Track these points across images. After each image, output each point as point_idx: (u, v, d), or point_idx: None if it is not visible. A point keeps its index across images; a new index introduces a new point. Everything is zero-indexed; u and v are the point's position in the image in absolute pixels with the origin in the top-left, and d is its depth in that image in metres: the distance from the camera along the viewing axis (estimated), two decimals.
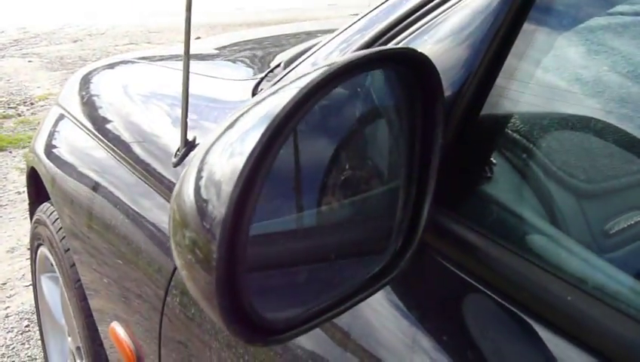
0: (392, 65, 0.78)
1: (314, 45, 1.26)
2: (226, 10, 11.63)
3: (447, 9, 0.95)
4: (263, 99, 0.69)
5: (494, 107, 0.86)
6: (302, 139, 0.73)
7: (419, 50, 0.80)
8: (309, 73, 0.68)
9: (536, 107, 0.88)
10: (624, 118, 0.82)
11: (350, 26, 1.12)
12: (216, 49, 2.02)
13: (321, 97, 0.69)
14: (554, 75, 0.88)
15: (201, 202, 0.64)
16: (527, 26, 0.85)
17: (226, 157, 0.64)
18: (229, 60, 1.90)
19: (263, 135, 0.62)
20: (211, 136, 0.68)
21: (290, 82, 0.69)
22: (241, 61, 1.79)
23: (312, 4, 12.21)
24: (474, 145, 0.87)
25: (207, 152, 0.67)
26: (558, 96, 0.87)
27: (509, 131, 0.87)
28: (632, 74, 0.82)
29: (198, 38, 8.92)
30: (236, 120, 0.68)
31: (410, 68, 0.78)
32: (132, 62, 2.01)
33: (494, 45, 0.85)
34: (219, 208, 0.61)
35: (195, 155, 0.69)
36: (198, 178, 0.66)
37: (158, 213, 1.33)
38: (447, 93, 0.85)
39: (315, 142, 0.79)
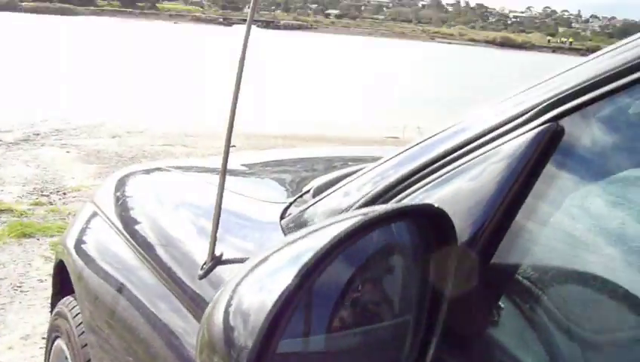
0: (413, 217, 0.85)
1: (344, 175, 1.32)
2: (263, 121, 11.91)
3: (477, 156, 1.00)
4: (295, 240, 0.76)
5: (506, 254, 0.91)
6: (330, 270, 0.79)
7: (443, 194, 0.86)
8: (338, 221, 0.75)
9: (547, 256, 0.92)
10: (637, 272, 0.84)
11: (386, 161, 1.18)
12: (250, 166, 2.09)
13: (347, 247, 0.76)
14: (569, 225, 0.91)
15: (229, 329, 0.70)
16: (541, 181, 0.90)
17: (256, 290, 0.71)
18: (260, 179, 1.98)
19: (295, 277, 0.69)
20: (245, 267, 0.75)
21: (321, 227, 0.75)
22: (273, 182, 1.86)
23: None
24: (484, 289, 0.92)
25: (239, 283, 0.74)
26: (571, 246, 0.90)
27: (520, 277, 0.90)
28: None
29: (233, 146, 9.09)
30: (269, 256, 0.75)
31: (429, 220, 0.84)
32: (167, 170, 2.10)
33: (510, 196, 0.90)
34: (246, 339, 0.68)
35: (228, 283, 0.75)
36: (229, 305, 0.73)
37: (179, 322, 1.37)
38: (463, 238, 0.91)
39: (336, 271, 0.85)
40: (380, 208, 0.82)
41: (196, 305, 1.32)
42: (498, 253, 0.91)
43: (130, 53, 25.84)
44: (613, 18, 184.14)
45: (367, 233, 0.80)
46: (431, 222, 0.85)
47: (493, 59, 61.51)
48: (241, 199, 1.55)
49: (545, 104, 0.93)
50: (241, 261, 1.31)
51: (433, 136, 1.12)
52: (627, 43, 0.90)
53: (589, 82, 0.89)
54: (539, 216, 0.90)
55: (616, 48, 0.91)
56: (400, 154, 1.16)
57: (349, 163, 1.90)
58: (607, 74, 0.87)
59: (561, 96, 0.92)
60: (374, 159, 2.04)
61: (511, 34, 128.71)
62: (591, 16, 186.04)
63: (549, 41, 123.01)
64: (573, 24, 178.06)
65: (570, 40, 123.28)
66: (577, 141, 0.89)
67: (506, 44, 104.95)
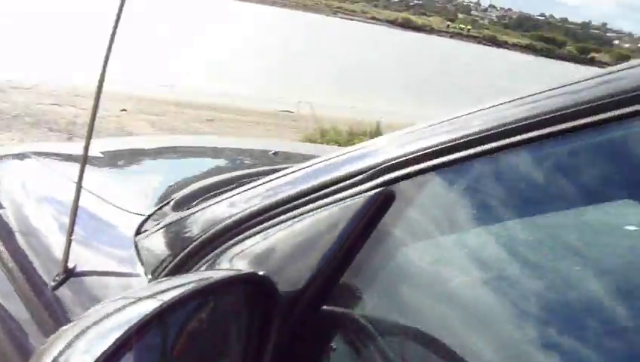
0: (237, 285, 0.90)
1: (204, 187, 1.35)
2: (156, 85, 11.70)
3: (308, 212, 1.04)
4: (127, 305, 0.79)
5: (335, 304, 0.96)
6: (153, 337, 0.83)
7: (273, 245, 0.91)
8: (164, 291, 0.79)
9: (374, 306, 0.97)
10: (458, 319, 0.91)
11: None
12: (117, 158, 2.07)
13: (169, 316, 0.80)
14: (393, 280, 0.97)
15: None
16: (372, 240, 0.96)
17: (82, 351, 0.73)
18: (121, 176, 1.95)
19: (112, 345, 0.72)
20: (76, 328, 0.77)
21: (150, 295, 0.79)
22: (133, 183, 1.82)
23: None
24: (314, 337, 0.97)
25: (68, 345, 0.75)
26: (394, 297, 0.97)
27: (350, 322, 0.97)
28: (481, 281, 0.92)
29: (124, 110, 8.87)
30: (100, 319, 0.77)
31: (253, 286, 0.89)
32: (30, 157, 1.99)
33: (340, 253, 0.96)
34: None
35: (57, 340, 0.77)
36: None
37: (30, 329, 1.36)
38: (294, 288, 0.95)
39: (166, 341, 0.88)
40: (205, 278, 0.86)
41: (48, 313, 1.31)
42: (327, 306, 0.96)
43: (20, 5, 24.70)
44: (510, 10, 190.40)
45: (193, 301, 0.84)
46: (255, 287, 0.89)
47: (393, 38, 62.50)
48: (101, 204, 1.53)
49: (378, 168, 0.98)
50: (94, 274, 1.31)
51: (276, 178, 1.16)
52: (455, 118, 0.97)
53: (420, 153, 0.95)
54: (366, 273, 0.95)
55: (445, 121, 0.98)
56: (243, 192, 1.19)
57: (213, 158, 1.89)
58: (438, 148, 0.93)
59: (394, 162, 0.97)
60: (253, 154, 2.07)
61: (412, 16, 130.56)
62: (489, 6, 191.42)
63: (448, 26, 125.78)
64: (472, 12, 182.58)
65: (468, 27, 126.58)
66: (406, 207, 0.95)
67: (406, 25, 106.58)
